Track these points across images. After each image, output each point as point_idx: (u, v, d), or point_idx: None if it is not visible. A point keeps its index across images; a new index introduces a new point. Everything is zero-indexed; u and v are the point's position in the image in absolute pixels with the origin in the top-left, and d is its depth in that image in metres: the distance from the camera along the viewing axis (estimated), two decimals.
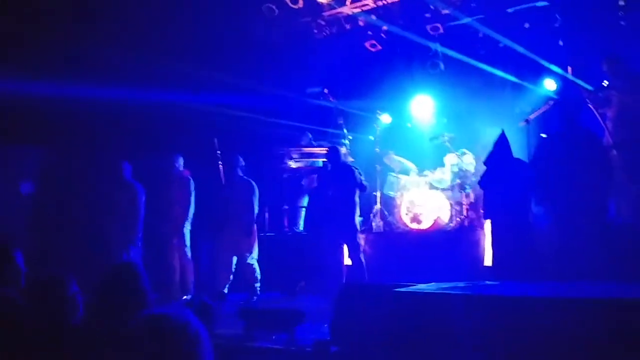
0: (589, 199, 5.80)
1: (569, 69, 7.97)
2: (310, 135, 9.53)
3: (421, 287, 4.00)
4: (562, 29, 8.94)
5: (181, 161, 7.95)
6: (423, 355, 3.54)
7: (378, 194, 8.90)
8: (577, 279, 5.36)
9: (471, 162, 8.78)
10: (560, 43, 9.06)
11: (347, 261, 7.38)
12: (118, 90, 7.81)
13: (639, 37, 7.88)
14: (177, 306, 1.99)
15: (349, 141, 8.73)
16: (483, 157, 7.05)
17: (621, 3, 8.18)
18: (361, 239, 7.46)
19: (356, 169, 7.49)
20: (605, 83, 7.21)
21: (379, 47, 9.65)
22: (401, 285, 4.16)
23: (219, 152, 7.95)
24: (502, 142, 6.71)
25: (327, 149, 7.94)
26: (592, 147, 5.87)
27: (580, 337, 3.33)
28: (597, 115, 7.01)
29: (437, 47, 9.44)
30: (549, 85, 9.05)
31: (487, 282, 5.19)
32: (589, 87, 7.44)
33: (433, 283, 4.35)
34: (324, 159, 8.20)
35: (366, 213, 8.60)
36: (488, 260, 7.40)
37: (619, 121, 6.94)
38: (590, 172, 5.78)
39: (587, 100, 7.12)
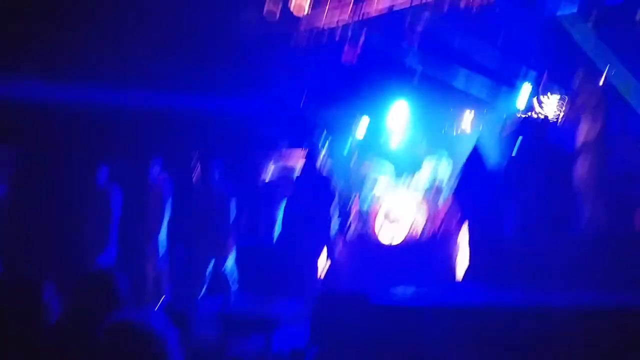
0: (552, 209, 5.87)
1: (545, 74, 8.04)
2: (287, 142, 9.48)
3: (399, 292, 3.98)
4: (539, 35, 9.04)
5: (157, 165, 7.83)
6: None
7: (354, 200, 8.87)
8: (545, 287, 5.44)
9: (448, 168, 8.81)
10: (537, 50, 9.17)
11: (324, 269, 7.33)
12: (95, 92, 7.70)
13: (610, 42, 8.00)
14: (146, 312, 1.94)
15: (327, 146, 8.66)
16: (460, 163, 7.08)
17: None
18: (338, 246, 7.41)
19: (332, 176, 7.47)
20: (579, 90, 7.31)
21: (356, 59, 9.65)
22: (376, 295, 4.12)
23: (195, 157, 7.85)
24: (476, 155, 6.75)
25: (305, 155, 7.89)
26: (557, 159, 5.92)
27: (554, 345, 3.33)
28: (571, 122, 7.09)
29: (413, 62, 9.48)
30: (526, 91, 9.15)
31: (465, 288, 5.19)
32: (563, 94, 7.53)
33: (411, 289, 4.33)
34: (301, 166, 8.14)
35: (342, 220, 8.55)
36: (464, 267, 7.41)
37: (590, 128, 7.03)
38: (554, 184, 5.84)
39: (564, 110, 7.20)
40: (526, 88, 9.10)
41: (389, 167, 9.36)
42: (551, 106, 7.77)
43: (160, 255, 7.60)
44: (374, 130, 9.88)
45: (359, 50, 9.72)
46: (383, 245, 8.34)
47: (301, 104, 9.72)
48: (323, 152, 7.77)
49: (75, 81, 7.54)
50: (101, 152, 7.99)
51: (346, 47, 9.58)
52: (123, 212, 7.43)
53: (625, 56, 7.98)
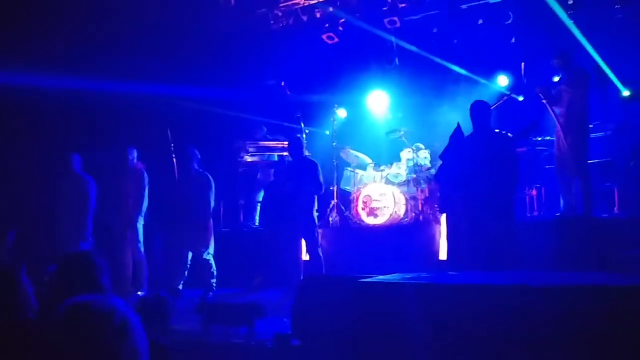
0: (497, 196, 5.97)
1: (522, 65, 8.12)
2: (265, 129, 9.45)
3: (384, 277, 3.99)
4: (515, 26, 9.13)
5: (135, 153, 7.74)
6: (385, 345, 3.53)
7: (334, 189, 8.89)
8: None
9: (426, 157, 8.87)
10: (513, 40, 9.26)
11: (305, 256, 7.33)
12: (70, 81, 7.57)
13: (587, 33, 8.11)
14: (109, 296, 1.89)
15: (306, 135, 8.66)
16: (439, 152, 7.11)
17: (570, 2, 8.41)
18: (319, 233, 7.41)
19: (317, 164, 7.43)
20: (556, 79, 7.42)
21: (336, 39, 9.64)
22: (361, 278, 4.14)
23: (173, 144, 7.77)
24: (457, 136, 6.78)
25: (288, 141, 7.84)
26: (503, 149, 6.01)
27: (539, 323, 3.40)
28: (551, 111, 7.18)
29: (393, 40, 9.49)
30: (502, 81, 9.26)
31: (450, 273, 5.23)
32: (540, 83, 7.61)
33: (396, 274, 4.36)
34: (280, 153, 8.12)
35: (323, 208, 8.57)
36: (443, 254, 7.48)
37: (568, 116, 7.14)
38: (499, 172, 5.93)
39: (541, 96, 7.28)
40: (503, 77, 9.21)
41: (367, 156, 9.39)
42: (528, 92, 7.86)
43: (139, 242, 7.53)
44: (354, 118, 9.89)
45: (336, 40, 9.71)
46: (364, 231, 8.38)
47: (280, 92, 9.66)
48: (303, 139, 7.74)
49: (51, 70, 7.40)
50: (77, 141, 7.88)
51: (326, 29, 9.56)
52: (101, 199, 7.35)
53: (600, 41, 8.12)
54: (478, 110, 6.26)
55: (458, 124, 6.81)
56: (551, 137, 7.67)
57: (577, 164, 7.03)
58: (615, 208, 7.64)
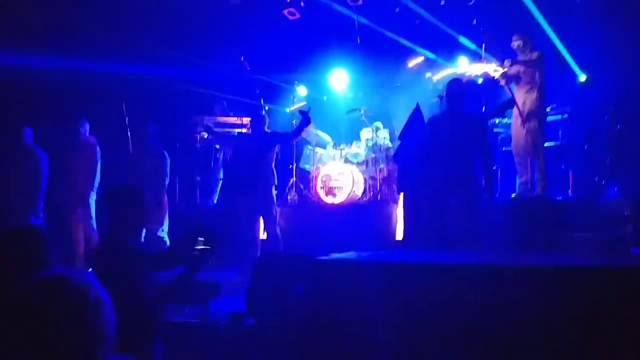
0: (464, 175, 6.01)
1: (483, 47, 8.15)
2: (225, 104, 9.28)
3: (340, 255, 3.96)
4: (476, 8, 9.15)
5: (87, 127, 7.50)
6: (341, 322, 3.51)
7: (294, 167, 8.83)
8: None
9: (386, 137, 8.88)
10: (474, 22, 9.29)
11: (263, 235, 7.25)
12: (20, 53, 7.27)
13: (547, 17, 8.18)
14: (79, 270, 1.84)
15: (266, 112, 8.54)
16: (398, 132, 7.11)
17: None
18: (277, 212, 7.34)
19: (273, 141, 7.32)
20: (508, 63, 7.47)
21: (298, 15, 9.50)
22: (317, 256, 4.11)
23: (127, 118, 7.55)
24: (416, 117, 6.77)
25: (250, 117, 7.71)
26: (472, 128, 6.03)
27: (493, 302, 3.43)
28: (509, 91, 7.23)
29: (355, 18, 9.42)
30: (462, 62, 9.28)
31: (407, 251, 5.25)
32: (498, 64, 7.65)
33: (352, 252, 4.33)
34: (240, 129, 7.99)
35: (282, 186, 8.50)
36: (399, 234, 7.52)
37: (526, 97, 7.21)
38: (468, 151, 5.96)
39: (500, 78, 7.33)
40: (464, 58, 9.23)
41: (327, 135, 9.34)
42: (488, 72, 7.89)
43: (91, 218, 7.34)
44: (314, 96, 9.80)
45: (298, 16, 9.57)
46: (322, 210, 8.35)
47: (240, 68, 9.48)
48: (265, 116, 7.62)
49: (1, 43, 7.09)
50: (27, 113, 7.59)
51: (288, 4, 9.40)
52: (52, 174, 7.10)
53: (560, 26, 8.21)
54: (453, 88, 6.25)
55: (417, 105, 6.80)
56: (508, 119, 7.75)
57: (534, 147, 7.12)
58: (570, 190, 7.79)
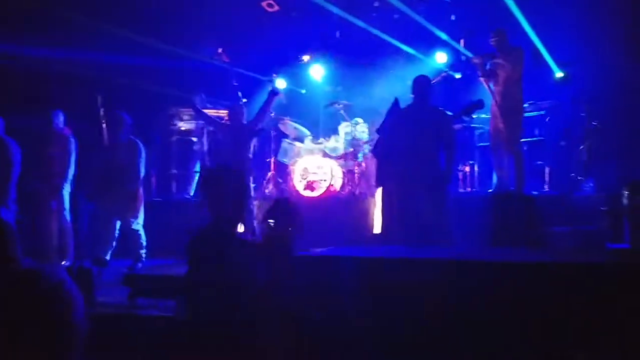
0: (430, 168, 6.01)
1: (461, 42, 8.17)
2: (203, 96, 9.16)
3: (321, 251, 3.93)
4: (455, 3, 9.17)
5: (61, 117, 7.36)
6: (321, 320, 3.48)
7: (272, 160, 8.77)
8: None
9: (364, 131, 8.86)
10: (453, 17, 9.30)
11: (240, 228, 7.17)
12: None
13: (526, 14, 8.22)
14: (51, 265, 1.77)
15: (244, 104, 8.46)
16: (377, 126, 7.08)
17: None
18: (255, 205, 7.28)
19: (251, 134, 7.24)
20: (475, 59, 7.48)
21: (277, 7, 9.42)
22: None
23: (103, 109, 7.41)
24: (395, 111, 6.75)
25: (229, 109, 7.60)
26: (437, 122, 6.03)
27: (479, 297, 3.44)
28: (488, 88, 7.25)
29: (334, 12, 9.37)
30: (440, 58, 9.31)
31: (385, 246, 5.23)
32: (475, 58, 7.67)
33: (331, 247, 4.30)
34: (219, 122, 7.88)
35: (259, 179, 8.45)
36: (377, 228, 7.51)
37: (504, 94, 7.25)
38: (433, 145, 5.96)
39: (478, 73, 7.35)
40: (442, 53, 9.25)
41: (305, 129, 9.30)
42: (466, 70, 7.93)
43: (65, 210, 7.21)
44: (293, 89, 9.74)
45: (276, 8, 9.49)
46: (300, 203, 8.30)
47: (216, 60, 9.38)
48: (241, 108, 7.53)
49: None
50: (1, 103, 7.42)
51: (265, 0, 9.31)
52: (25, 165, 6.95)
53: (538, 22, 8.26)
54: (420, 84, 6.23)
55: (396, 99, 6.78)
56: (486, 114, 7.79)
57: (511, 142, 7.16)
58: (546, 185, 7.85)
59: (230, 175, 3.31)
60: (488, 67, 7.39)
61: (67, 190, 7.23)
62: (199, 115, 7.82)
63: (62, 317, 1.53)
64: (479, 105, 6.27)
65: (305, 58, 9.41)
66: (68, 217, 7.26)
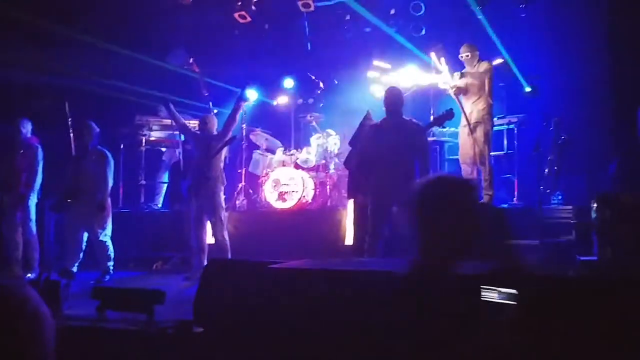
0: (404, 180, 6.03)
1: (432, 56, 8.24)
2: (172, 106, 9.07)
3: (294, 263, 3.90)
4: (426, 18, 9.26)
5: (29, 127, 7.21)
6: (292, 331, 3.44)
7: (243, 172, 8.72)
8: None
9: (336, 143, 8.88)
10: (423, 32, 9.39)
11: (210, 240, 7.10)
12: None
13: (495, 29, 8.35)
14: (16, 281, 1.70)
15: (214, 115, 8.40)
16: (349, 138, 7.10)
17: None
18: (225, 216, 7.21)
19: (223, 144, 7.17)
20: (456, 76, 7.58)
21: (249, 19, 9.39)
22: (269, 263, 4.03)
23: (70, 118, 7.28)
24: (367, 123, 6.77)
25: (199, 119, 7.52)
26: (411, 136, 6.06)
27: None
28: (458, 102, 7.34)
29: (305, 23, 9.40)
30: (412, 71, 9.38)
31: (360, 259, 5.21)
32: (450, 74, 7.77)
33: (306, 260, 4.27)
34: (189, 132, 7.78)
35: (230, 191, 8.38)
36: (349, 240, 7.50)
37: (473, 105, 7.34)
38: (406, 159, 5.99)
39: (449, 87, 7.44)
40: (412, 66, 9.33)
41: (277, 140, 9.28)
42: (437, 84, 8.00)
43: (31, 221, 7.04)
44: (265, 100, 9.71)
45: (249, 19, 9.46)
46: (271, 215, 8.27)
47: (187, 70, 9.30)
48: (211, 119, 7.46)
49: None
50: None
51: (238, 8, 9.27)
52: None
53: (507, 38, 8.39)
54: (391, 96, 6.26)
55: (368, 111, 6.82)
56: (455, 128, 7.87)
57: (480, 155, 7.24)
58: (515, 198, 7.95)
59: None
60: (458, 83, 7.48)
61: (33, 200, 7.08)
62: (172, 118, 7.71)
63: (30, 334, 1.47)
64: (449, 115, 6.32)
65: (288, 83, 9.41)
66: (34, 228, 7.10)
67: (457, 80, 7.55)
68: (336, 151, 8.78)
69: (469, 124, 7.29)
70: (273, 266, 3.62)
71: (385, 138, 6.01)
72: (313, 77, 9.39)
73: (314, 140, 8.93)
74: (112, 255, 6.99)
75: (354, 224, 7.05)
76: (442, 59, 7.97)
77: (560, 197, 7.42)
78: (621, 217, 5.16)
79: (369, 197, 6.16)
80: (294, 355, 3.48)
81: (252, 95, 9.01)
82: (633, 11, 7.43)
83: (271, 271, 3.57)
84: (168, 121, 8.80)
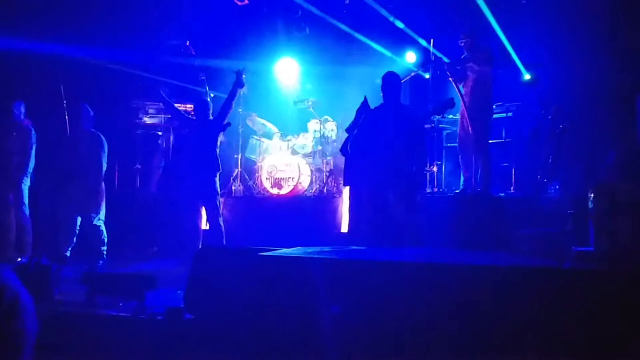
0: (400, 170, 5.98)
1: (431, 42, 8.16)
2: (168, 90, 8.99)
3: (286, 251, 3.86)
4: (426, 3, 9.16)
5: (22, 109, 7.14)
6: (283, 320, 3.41)
7: (239, 157, 8.66)
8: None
9: (333, 129, 8.81)
10: (424, 17, 9.29)
11: (205, 225, 7.06)
12: None
13: (496, 15, 8.26)
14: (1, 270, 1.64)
15: (211, 99, 8.33)
16: (346, 124, 7.03)
17: None
18: (221, 202, 7.16)
19: (217, 129, 7.10)
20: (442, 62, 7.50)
21: (246, 1, 9.28)
22: (262, 250, 4.00)
23: (65, 101, 7.20)
24: (364, 110, 6.70)
25: (194, 103, 7.44)
26: (411, 123, 6.00)
27: (441, 299, 3.41)
28: (457, 89, 7.26)
29: (304, 6, 9.28)
30: (410, 57, 9.31)
31: (353, 247, 5.17)
32: (447, 60, 7.70)
33: (298, 247, 4.23)
34: (185, 117, 7.72)
35: (226, 176, 8.32)
36: (344, 227, 7.47)
37: (473, 95, 7.26)
38: (405, 146, 5.93)
39: (448, 74, 7.35)
40: (412, 53, 9.25)
41: (273, 125, 9.21)
42: (435, 70, 7.93)
43: (24, 205, 6.99)
44: (262, 85, 9.63)
45: (246, 1, 9.36)
46: (267, 201, 8.23)
47: (185, 52, 9.20)
48: (210, 102, 7.39)
49: None
50: None
51: None
52: None
53: (507, 24, 8.30)
54: (389, 81, 6.18)
55: (365, 98, 6.73)
56: (454, 115, 7.80)
57: (479, 143, 7.17)
58: (512, 187, 7.90)
59: None
60: (458, 68, 7.40)
61: (26, 183, 7.02)
62: (167, 107, 7.65)
63: (6, 322, 1.42)
64: (450, 104, 6.25)
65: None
66: (27, 211, 7.04)
67: (457, 67, 7.46)
68: (333, 137, 8.71)
69: (467, 111, 7.21)
70: (263, 254, 3.58)
71: (381, 125, 5.95)
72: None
73: (311, 125, 8.87)
74: (105, 239, 6.94)
75: (349, 211, 7.02)
76: None
77: (557, 187, 7.37)
78: (618, 208, 5.11)
79: (364, 185, 6.11)
80: (283, 343, 3.45)
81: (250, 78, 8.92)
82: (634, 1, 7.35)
83: (261, 258, 3.52)
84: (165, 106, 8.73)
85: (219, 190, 7.05)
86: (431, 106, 6.43)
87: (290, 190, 8.16)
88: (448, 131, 8.49)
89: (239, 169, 8.61)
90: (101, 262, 6.87)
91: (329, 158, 8.53)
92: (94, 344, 4.04)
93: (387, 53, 9.35)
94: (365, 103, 6.66)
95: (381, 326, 3.49)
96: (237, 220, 7.81)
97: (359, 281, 3.42)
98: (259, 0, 9.43)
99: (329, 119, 8.83)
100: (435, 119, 8.17)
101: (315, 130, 8.77)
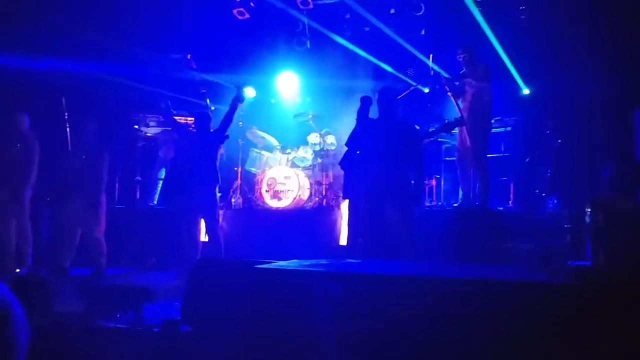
0: (397, 184, 6.00)
1: (430, 57, 8.22)
2: (169, 102, 9.05)
3: (282, 263, 3.88)
4: (425, 18, 9.24)
5: (26, 120, 7.19)
6: (281, 333, 3.43)
7: (239, 170, 8.69)
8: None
9: (333, 142, 8.85)
10: (422, 32, 9.37)
11: (204, 237, 7.08)
12: None
13: (494, 30, 8.33)
14: None
15: (211, 112, 8.38)
16: (345, 138, 7.06)
17: None
18: (220, 214, 7.18)
19: (218, 142, 7.14)
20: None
21: (247, 15, 9.37)
22: (259, 262, 4.02)
23: (67, 114, 7.26)
24: (363, 115, 6.71)
25: (194, 116, 7.48)
26: (408, 138, 6.02)
27: (441, 313, 3.42)
28: (457, 105, 7.31)
29: (305, 21, 9.37)
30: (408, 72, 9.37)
31: (349, 260, 5.19)
32: (446, 75, 7.75)
33: (294, 260, 4.25)
34: (185, 129, 7.77)
35: (226, 188, 8.36)
36: (343, 240, 7.48)
37: (472, 109, 7.30)
38: (401, 160, 5.95)
39: (447, 88, 7.40)
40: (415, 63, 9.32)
41: (274, 138, 9.25)
42: (434, 85, 7.98)
43: (25, 216, 7.01)
44: (262, 98, 9.69)
45: (247, 16, 9.45)
46: (267, 214, 8.25)
47: (184, 66, 9.28)
48: (211, 115, 7.44)
49: None
50: None
51: (237, 4, 9.24)
52: None
53: (506, 39, 8.37)
54: (385, 96, 6.22)
55: (363, 100, 6.71)
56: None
57: (477, 157, 7.21)
58: (510, 201, 7.93)
59: None
60: (457, 83, 7.45)
61: (28, 195, 7.04)
62: (168, 120, 7.70)
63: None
64: (460, 122, 6.28)
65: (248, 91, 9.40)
66: (28, 222, 7.06)
67: (455, 82, 7.52)
68: (333, 150, 8.75)
69: (466, 125, 7.25)
70: (260, 266, 3.60)
71: (377, 139, 5.98)
72: None
73: (311, 139, 8.91)
74: (105, 251, 6.97)
75: (349, 224, 7.04)
76: None
77: (555, 202, 7.40)
78: (615, 223, 5.13)
79: (362, 198, 6.13)
80: (280, 355, 3.47)
81: (250, 92, 8.99)
82: (632, 15, 7.40)
83: (258, 271, 3.55)
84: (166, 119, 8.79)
85: (218, 202, 7.08)
86: (439, 125, 6.45)
87: (290, 203, 8.19)
88: (447, 145, 8.53)
89: (239, 182, 8.65)
90: (100, 273, 6.89)
91: (329, 171, 8.56)
92: (92, 356, 4.06)
93: (387, 68, 9.41)
94: (363, 106, 6.65)
95: (378, 339, 3.50)
96: (236, 232, 7.83)
97: (356, 294, 3.44)
98: (260, 15, 9.51)
99: (329, 132, 8.87)
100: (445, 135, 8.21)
101: (315, 144, 8.81)
